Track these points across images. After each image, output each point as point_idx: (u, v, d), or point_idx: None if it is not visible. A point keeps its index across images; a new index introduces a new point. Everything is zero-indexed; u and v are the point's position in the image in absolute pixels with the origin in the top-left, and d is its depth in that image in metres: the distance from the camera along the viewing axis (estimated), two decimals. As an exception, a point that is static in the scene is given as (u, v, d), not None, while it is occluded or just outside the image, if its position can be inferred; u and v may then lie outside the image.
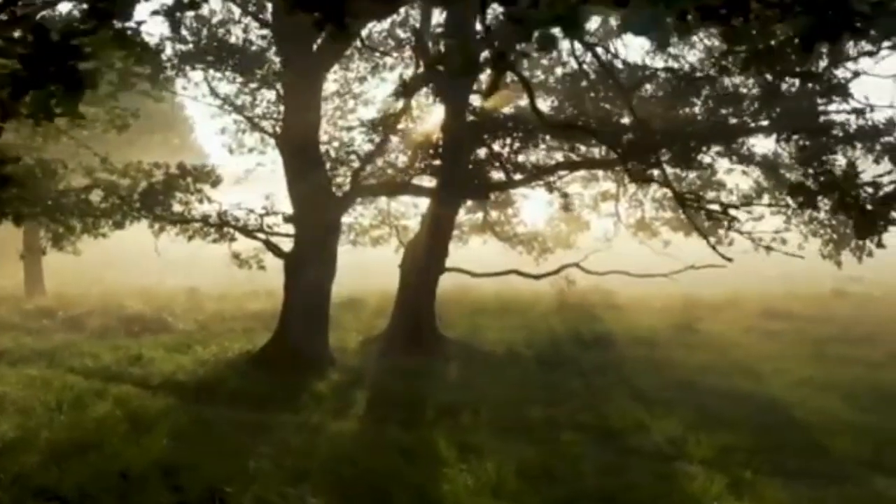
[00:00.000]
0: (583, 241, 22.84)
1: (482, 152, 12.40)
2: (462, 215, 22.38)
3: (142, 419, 9.17)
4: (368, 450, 8.09)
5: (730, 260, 15.36)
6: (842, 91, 8.79)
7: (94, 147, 17.82)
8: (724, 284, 26.09)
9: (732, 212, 11.57)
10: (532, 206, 21.08)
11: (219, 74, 14.12)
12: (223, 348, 13.71)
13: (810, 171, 7.88)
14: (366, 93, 19.82)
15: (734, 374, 12.58)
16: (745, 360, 13.80)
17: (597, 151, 11.61)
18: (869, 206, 5.21)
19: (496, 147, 11.17)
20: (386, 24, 19.01)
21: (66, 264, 28.47)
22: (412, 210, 20.10)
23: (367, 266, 22.51)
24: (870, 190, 5.32)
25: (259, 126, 14.14)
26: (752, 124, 10.11)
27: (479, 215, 21.18)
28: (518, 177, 11.39)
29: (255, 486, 6.63)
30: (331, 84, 19.76)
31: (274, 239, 13.55)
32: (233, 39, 13.97)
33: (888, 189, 5.23)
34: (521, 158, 11.52)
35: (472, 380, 11.96)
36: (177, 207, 13.71)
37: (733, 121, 9.57)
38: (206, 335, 15.41)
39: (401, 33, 19.07)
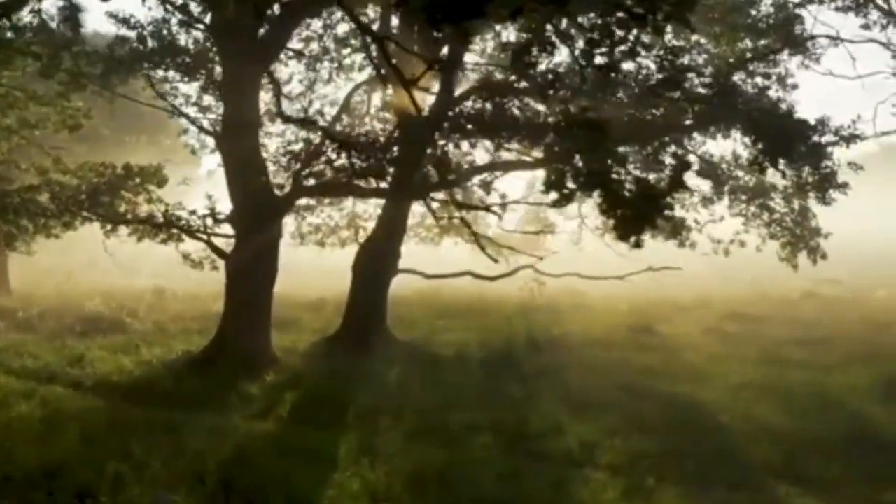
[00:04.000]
0: (554, 243, 22.80)
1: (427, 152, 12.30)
2: (431, 217, 22.29)
3: (58, 421, 9.12)
4: (271, 452, 8.01)
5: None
6: (672, 84, 8.65)
7: (82, 149, 17.80)
8: (699, 286, 25.98)
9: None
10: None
11: (167, 74, 14.11)
12: (167, 349, 13.65)
13: (567, 168, 7.71)
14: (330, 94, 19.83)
15: (677, 377, 12.42)
16: (693, 363, 13.65)
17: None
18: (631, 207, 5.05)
19: (431, 149, 11.07)
20: (352, 25, 19.01)
21: (48, 265, 28.54)
22: (378, 211, 19.95)
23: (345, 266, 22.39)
24: (632, 187, 5.17)
25: (202, 126, 14.11)
26: (681, 122, 9.98)
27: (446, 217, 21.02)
28: (451, 177, 11.31)
29: (130, 489, 6.55)
30: (296, 85, 19.80)
31: (221, 241, 13.49)
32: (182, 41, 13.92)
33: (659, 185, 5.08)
34: (455, 159, 11.44)
35: (409, 382, 11.84)
36: (123, 207, 13.68)
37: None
38: (159, 336, 15.35)
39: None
